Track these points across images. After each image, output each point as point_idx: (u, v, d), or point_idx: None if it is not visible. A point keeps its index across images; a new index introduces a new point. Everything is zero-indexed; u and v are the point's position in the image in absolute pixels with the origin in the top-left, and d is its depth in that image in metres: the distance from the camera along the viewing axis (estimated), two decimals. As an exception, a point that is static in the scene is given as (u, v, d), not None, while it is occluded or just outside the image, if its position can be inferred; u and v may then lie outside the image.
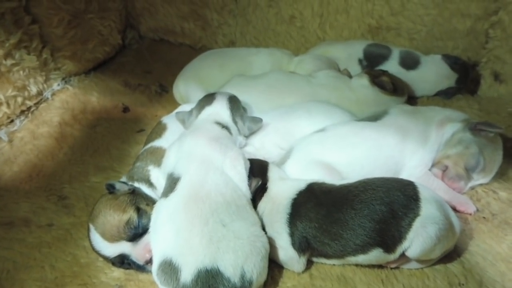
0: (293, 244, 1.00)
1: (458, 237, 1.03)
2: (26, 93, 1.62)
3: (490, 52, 1.68)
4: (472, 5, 1.63)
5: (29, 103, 1.64)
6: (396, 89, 1.49)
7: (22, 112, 1.62)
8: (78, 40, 1.82)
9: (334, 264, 1.05)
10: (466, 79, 1.65)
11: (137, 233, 1.01)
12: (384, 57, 1.66)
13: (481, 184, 1.25)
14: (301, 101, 1.43)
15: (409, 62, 1.65)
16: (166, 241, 0.93)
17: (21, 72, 1.59)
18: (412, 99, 1.63)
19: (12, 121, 1.59)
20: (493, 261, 1.05)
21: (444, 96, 1.65)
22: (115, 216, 1.00)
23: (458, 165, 1.22)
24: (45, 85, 1.71)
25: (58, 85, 1.78)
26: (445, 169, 1.23)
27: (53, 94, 1.74)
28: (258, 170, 1.12)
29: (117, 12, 2.05)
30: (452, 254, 1.05)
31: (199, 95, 1.40)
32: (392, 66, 1.64)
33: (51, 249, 1.12)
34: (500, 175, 1.26)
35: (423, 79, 1.64)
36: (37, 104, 1.68)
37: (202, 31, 2.11)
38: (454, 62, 1.63)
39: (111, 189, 1.05)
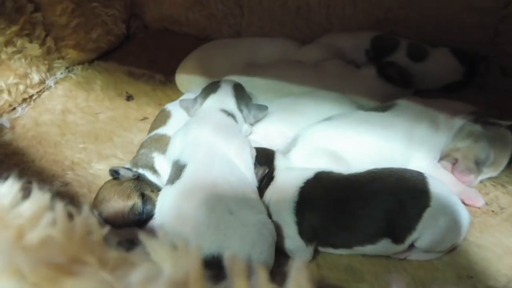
0: (301, 233, 0.99)
1: (467, 230, 1.02)
2: (28, 81, 1.59)
3: (499, 47, 1.65)
4: (483, -1, 1.61)
5: (31, 91, 1.62)
6: (403, 80, 1.48)
7: (24, 100, 1.60)
8: (82, 29, 1.80)
9: (341, 254, 1.03)
10: (473, 73, 1.63)
11: (141, 219, 1.00)
12: (391, 49, 1.64)
13: (490, 177, 1.23)
14: (307, 91, 1.42)
15: (417, 54, 1.62)
16: (172, 228, 0.92)
17: (22, 60, 1.56)
18: (419, 92, 1.61)
19: (14, 108, 1.57)
20: (501, 255, 1.03)
21: (451, 89, 1.63)
22: (119, 202, 0.99)
23: (468, 158, 1.20)
24: (48, 74, 1.68)
25: (61, 73, 1.76)
26: (454, 162, 1.21)
27: (56, 83, 1.72)
28: (264, 159, 1.10)
29: (122, 1, 2.02)
30: (461, 247, 1.04)
31: (202, 84, 1.38)
32: (399, 57, 1.62)
33: (53, 235, 1.10)
34: (508, 169, 1.25)
35: (430, 72, 1.61)
36: (39, 92, 1.66)
37: (207, 21, 2.08)
38: (462, 56, 1.61)
39: (115, 174, 1.04)
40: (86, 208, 0.43)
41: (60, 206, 0.42)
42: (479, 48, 1.70)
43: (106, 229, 0.43)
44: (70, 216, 0.43)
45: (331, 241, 0.99)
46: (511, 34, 1.61)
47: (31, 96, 1.63)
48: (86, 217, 0.42)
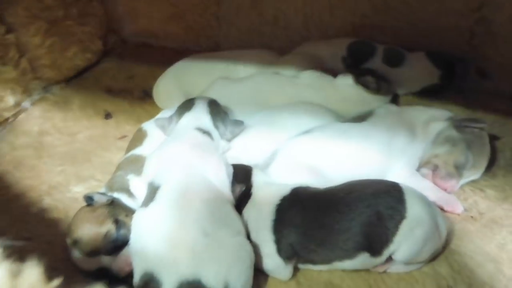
0: (279, 252, 0.98)
1: (446, 238, 1.02)
2: (3, 104, 1.57)
3: (475, 49, 1.66)
4: (456, 2, 1.61)
5: (7, 114, 1.59)
6: (380, 88, 1.47)
7: (0, 123, 1.58)
8: (57, 48, 1.78)
9: (321, 271, 1.02)
10: (450, 76, 1.63)
11: (116, 246, 0.98)
12: (368, 55, 1.64)
13: (472, 181, 1.24)
14: (285, 102, 1.41)
15: (393, 59, 1.63)
16: (147, 253, 0.90)
17: (-3, 83, 1.55)
18: (397, 97, 1.61)
19: (-11, 133, 1.55)
20: (481, 262, 1.03)
21: (429, 93, 1.64)
22: (92, 229, 0.97)
23: (448, 163, 1.20)
24: (23, 96, 1.66)
25: (38, 94, 1.74)
26: (435, 169, 1.21)
27: (32, 104, 1.70)
28: (242, 176, 1.09)
29: (98, 17, 2.00)
30: (441, 256, 1.04)
31: (181, 100, 1.37)
32: (376, 63, 1.62)
33: (30, 264, 1.08)
34: (486, 173, 1.25)
35: (407, 76, 1.62)
36: (15, 114, 1.64)
37: (185, 34, 2.08)
38: (437, 59, 1.62)
39: (89, 201, 1.02)
40: (31, 265, 0.42)
41: (5, 265, 0.41)
42: (456, 50, 1.71)
43: (56, 282, 0.42)
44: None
45: (310, 258, 0.98)
46: (486, 36, 1.62)
47: (6, 119, 1.60)
48: (30, 274, 0.41)
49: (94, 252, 0.96)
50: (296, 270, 1.02)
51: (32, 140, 1.52)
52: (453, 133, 1.22)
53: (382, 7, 1.71)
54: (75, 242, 0.97)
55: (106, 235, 0.97)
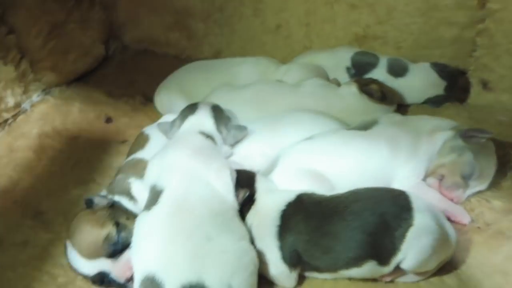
0: (284, 258, 0.96)
1: (454, 248, 1.00)
2: (3, 105, 1.55)
3: (478, 60, 1.66)
4: (458, 13, 1.61)
5: (6, 115, 1.57)
6: (385, 97, 1.47)
7: (-1, 124, 1.56)
8: (59, 51, 1.76)
9: (326, 279, 1.00)
10: (454, 87, 1.63)
11: (116, 249, 0.96)
12: (372, 65, 1.64)
13: (479, 191, 1.22)
14: (287, 110, 1.40)
15: (397, 70, 1.63)
16: (148, 257, 0.88)
17: (-3, 83, 1.53)
18: (401, 107, 1.60)
19: (-12, 134, 1.53)
20: (489, 273, 1.01)
21: (433, 104, 1.63)
22: (92, 232, 0.94)
23: (454, 173, 1.19)
24: (23, 97, 1.64)
25: (38, 96, 1.72)
26: (441, 179, 1.20)
27: (32, 106, 1.68)
28: (245, 181, 1.07)
29: (100, 22, 2.00)
30: (448, 266, 1.01)
31: (182, 106, 1.36)
32: (380, 74, 1.62)
33: (26, 268, 1.06)
34: (492, 184, 1.23)
35: (411, 87, 1.62)
36: (15, 116, 1.61)
37: (188, 41, 2.07)
38: (442, 70, 1.62)
39: (89, 203, 1.00)
40: None
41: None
42: (458, 62, 1.71)
43: None
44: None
45: (315, 265, 0.96)
46: (489, 47, 1.62)
47: (6, 121, 1.58)
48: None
49: (94, 255, 0.94)
50: (301, 278, 1.00)
51: (31, 143, 1.50)
52: (459, 142, 1.21)
53: (385, 18, 1.71)
54: (75, 245, 0.94)
55: (106, 238, 0.95)
